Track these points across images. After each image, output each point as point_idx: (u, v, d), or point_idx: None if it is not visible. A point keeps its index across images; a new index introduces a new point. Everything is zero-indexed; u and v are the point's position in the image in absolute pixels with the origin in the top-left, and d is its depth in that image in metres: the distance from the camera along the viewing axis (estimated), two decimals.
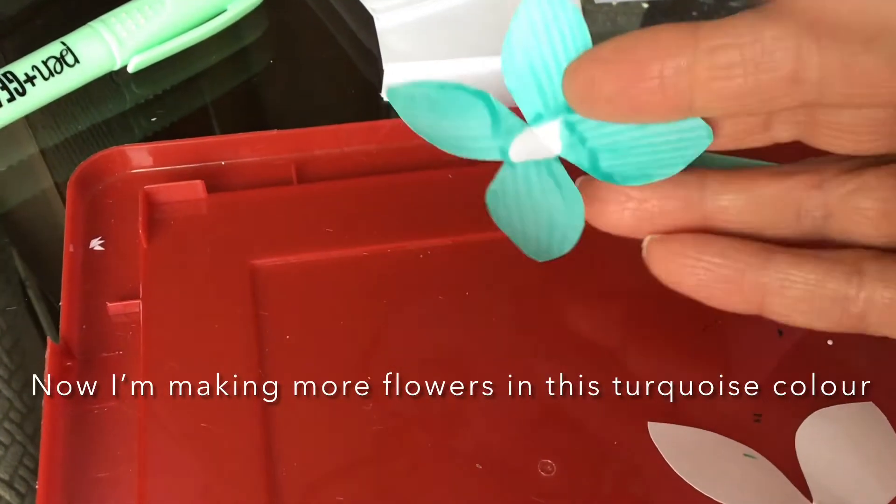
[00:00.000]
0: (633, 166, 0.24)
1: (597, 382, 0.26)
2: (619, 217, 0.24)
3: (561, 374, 0.26)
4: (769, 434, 0.25)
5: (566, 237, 0.26)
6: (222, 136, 0.31)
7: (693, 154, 0.24)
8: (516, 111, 0.25)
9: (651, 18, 0.40)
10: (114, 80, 0.35)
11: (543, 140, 0.25)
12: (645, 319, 0.27)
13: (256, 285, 0.28)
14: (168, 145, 0.30)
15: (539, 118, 0.25)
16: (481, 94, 0.25)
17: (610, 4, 0.39)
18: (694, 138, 0.24)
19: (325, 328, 0.27)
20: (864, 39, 0.19)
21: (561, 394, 0.26)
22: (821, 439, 0.25)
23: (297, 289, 0.28)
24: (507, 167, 0.26)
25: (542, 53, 0.24)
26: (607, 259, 0.29)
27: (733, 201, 0.24)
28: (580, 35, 0.24)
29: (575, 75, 0.22)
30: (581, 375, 0.26)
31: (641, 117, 0.22)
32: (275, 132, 0.31)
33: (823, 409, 0.25)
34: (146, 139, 0.34)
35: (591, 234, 0.27)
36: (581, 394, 0.26)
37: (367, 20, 0.37)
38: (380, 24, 0.37)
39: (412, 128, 0.25)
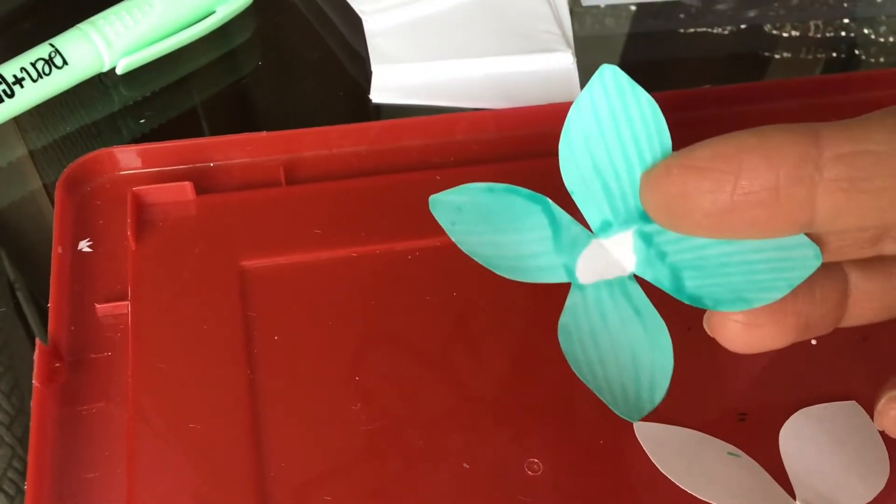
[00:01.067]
0: (726, 288, 0.21)
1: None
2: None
3: (548, 374, 0.26)
4: (754, 433, 0.25)
5: (655, 382, 0.22)
6: (211, 138, 0.31)
7: (800, 277, 0.20)
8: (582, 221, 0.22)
9: (639, 21, 0.40)
10: (102, 82, 0.35)
11: (615, 255, 0.22)
12: None
13: (245, 286, 0.28)
14: (157, 147, 0.30)
15: (607, 227, 0.22)
16: (539, 198, 0.22)
17: (598, 7, 0.40)
18: (800, 258, 0.20)
19: (314, 329, 0.27)
20: None
21: (548, 393, 0.26)
22: (804, 438, 0.25)
23: (286, 290, 0.28)
24: (576, 291, 0.22)
25: (608, 148, 0.21)
26: None
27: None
28: (657, 128, 0.21)
29: (660, 184, 0.19)
30: (568, 375, 0.26)
31: (745, 234, 0.19)
32: (264, 134, 0.31)
33: (807, 409, 0.26)
34: (135, 141, 0.34)
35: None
36: (568, 393, 0.26)
37: (355, 22, 0.37)
38: (368, 27, 0.37)
39: (459, 245, 0.22)
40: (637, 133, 0.21)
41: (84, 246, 0.29)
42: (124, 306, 0.27)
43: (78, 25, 0.34)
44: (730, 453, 0.25)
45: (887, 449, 0.25)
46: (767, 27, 0.39)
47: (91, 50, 0.34)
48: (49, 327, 0.26)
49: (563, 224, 0.22)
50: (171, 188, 0.29)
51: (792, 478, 0.24)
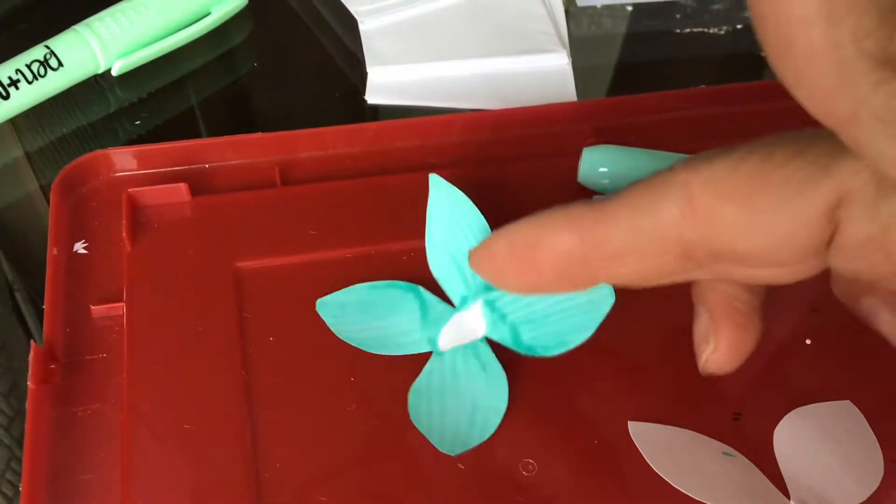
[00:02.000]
0: (551, 335, 0.25)
1: (577, 382, 0.26)
2: None
3: (543, 374, 0.26)
4: (748, 433, 0.25)
5: (488, 421, 0.25)
6: (206, 139, 0.31)
7: (601, 316, 0.25)
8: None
9: (636, 21, 0.40)
10: (98, 84, 0.35)
11: (469, 323, 0.26)
12: (623, 321, 0.27)
13: (240, 287, 0.28)
14: (152, 148, 0.30)
15: (465, 301, 0.27)
16: (413, 288, 0.27)
17: (595, 7, 0.40)
18: (599, 300, 0.25)
19: (309, 330, 0.27)
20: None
21: (542, 393, 0.26)
22: (799, 437, 0.25)
23: (281, 291, 0.28)
24: (435, 359, 0.26)
25: (456, 241, 0.27)
26: None
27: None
28: (476, 222, 0.27)
29: (479, 267, 0.23)
30: (562, 374, 0.26)
31: (550, 293, 0.24)
32: (259, 135, 0.31)
33: (801, 408, 0.26)
34: (130, 142, 0.34)
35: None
36: (562, 393, 0.26)
37: (351, 23, 0.37)
38: (364, 28, 0.37)
39: (339, 335, 0.26)
40: (469, 222, 0.27)
41: (79, 247, 0.29)
42: (119, 307, 0.27)
43: (73, 27, 0.34)
44: (724, 453, 0.25)
45: (882, 448, 0.25)
46: None
47: (86, 52, 0.34)
48: (44, 329, 0.26)
49: (431, 305, 0.27)
50: (166, 190, 0.29)
51: (786, 477, 0.24)
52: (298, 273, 0.28)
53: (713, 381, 0.27)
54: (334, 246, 0.29)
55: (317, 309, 0.27)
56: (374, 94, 0.35)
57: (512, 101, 0.34)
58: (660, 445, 0.25)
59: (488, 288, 0.26)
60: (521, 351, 0.26)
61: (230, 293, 0.27)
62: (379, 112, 0.35)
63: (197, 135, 0.35)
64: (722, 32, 0.39)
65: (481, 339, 0.26)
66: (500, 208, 0.30)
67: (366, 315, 0.27)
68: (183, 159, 0.31)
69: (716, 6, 0.40)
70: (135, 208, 0.29)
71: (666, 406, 0.26)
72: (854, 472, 0.24)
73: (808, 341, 0.28)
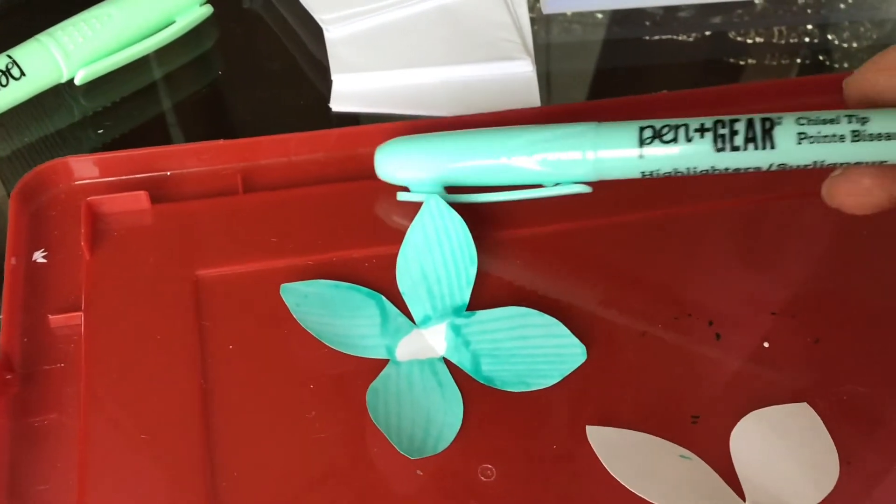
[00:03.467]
0: (512, 374, 0.26)
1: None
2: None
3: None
4: (706, 435, 0.26)
5: (442, 435, 0.25)
6: (167, 147, 0.31)
7: (569, 368, 0.26)
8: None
9: (606, 28, 0.40)
10: (63, 93, 0.35)
11: (430, 341, 0.27)
12: (582, 325, 0.28)
13: (200, 296, 0.28)
14: (112, 156, 0.30)
15: (427, 320, 0.27)
16: (374, 295, 0.28)
17: (565, 14, 0.40)
18: (571, 355, 0.26)
19: (269, 338, 0.27)
20: None
21: (500, 399, 0.26)
22: (755, 440, 0.25)
23: (241, 298, 0.28)
24: (392, 366, 0.26)
25: (433, 260, 0.27)
26: (548, 268, 0.29)
27: None
28: (465, 241, 0.27)
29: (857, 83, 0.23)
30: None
31: None
32: (221, 142, 0.31)
33: (758, 411, 0.26)
34: (94, 151, 0.33)
35: (519, 245, 0.27)
36: (520, 399, 0.26)
37: (317, 31, 0.37)
38: (329, 35, 0.37)
39: (300, 322, 0.26)
40: (453, 246, 0.28)
41: (38, 256, 0.28)
42: (78, 317, 0.27)
43: (36, 37, 0.34)
44: (681, 456, 0.25)
45: (838, 450, 0.25)
46: (732, 34, 0.40)
47: (49, 61, 0.34)
48: (1, 339, 0.26)
49: (392, 315, 0.27)
50: (125, 198, 0.29)
51: (742, 479, 0.24)
52: (259, 281, 0.28)
53: (672, 383, 0.27)
54: (295, 253, 0.29)
55: (280, 292, 0.27)
56: (339, 102, 0.35)
57: (476, 107, 0.34)
58: (617, 449, 0.25)
59: (457, 313, 0.27)
60: (478, 379, 0.26)
61: (190, 302, 0.27)
62: (343, 119, 0.35)
63: (161, 143, 0.35)
64: (691, 39, 0.39)
65: (439, 359, 0.27)
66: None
67: (326, 310, 0.27)
68: (143, 167, 0.31)
69: (682, 14, 0.40)
70: (94, 217, 0.29)
71: (625, 409, 0.26)
72: (810, 474, 0.25)
73: (765, 344, 0.28)
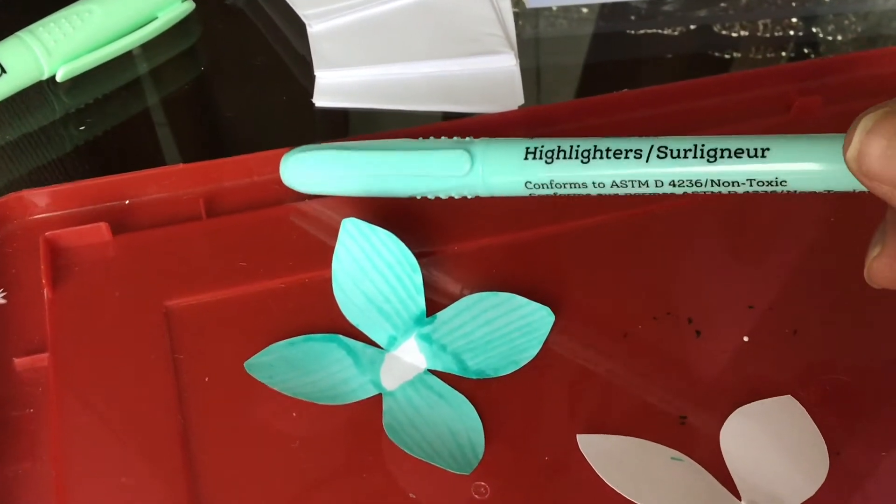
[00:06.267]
0: (498, 358, 0.26)
1: (524, 400, 0.26)
2: None
3: (488, 398, 0.26)
4: (695, 434, 0.26)
5: (472, 440, 0.25)
6: (125, 175, 0.30)
7: (544, 333, 0.26)
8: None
9: (591, 23, 0.40)
10: (45, 90, 0.35)
11: (407, 360, 0.26)
12: (561, 332, 0.27)
13: (171, 327, 0.27)
14: (68, 188, 0.29)
15: (393, 341, 0.27)
16: (332, 338, 0.27)
17: (550, 9, 0.40)
18: (540, 320, 0.27)
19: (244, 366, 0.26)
20: None
21: (489, 415, 0.26)
22: (744, 437, 0.25)
23: (214, 327, 0.27)
24: (388, 398, 0.26)
25: (372, 280, 0.27)
26: (516, 278, 0.29)
27: None
28: (401, 252, 0.27)
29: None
30: (508, 396, 0.26)
31: None
32: (181, 166, 0.30)
33: (744, 407, 0.26)
34: (76, 148, 0.33)
35: (476, 257, 0.27)
36: (509, 414, 0.26)
37: (300, 27, 0.37)
38: (312, 31, 0.37)
39: (283, 392, 0.25)
40: (388, 261, 0.27)
41: None
42: (44, 359, 0.26)
43: (16, 33, 0.34)
44: (673, 458, 0.25)
45: (826, 442, 0.25)
46: (717, 27, 0.40)
47: (29, 58, 0.33)
48: None
49: (359, 350, 0.26)
50: (85, 230, 0.28)
51: (735, 478, 0.24)
52: (231, 308, 0.27)
53: (657, 384, 0.27)
54: (266, 276, 0.28)
55: (248, 371, 0.25)
56: (322, 97, 0.35)
57: (460, 102, 0.34)
58: (609, 456, 0.25)
59: (419, 322, 0.27)
60: (470, 376, 0.26)
61: (161, 334, 0.27)
62: (327, 115, 0.35)
63: (142, 140, 0.35)
64: (676, 33, 0.39)
65: (425, 372, 0.26)
66: (418, 231, 0.30)
67: (297, 370, 0.26)
68: (102, 197, 0.30)
69: (666, 7, 0.40)
70: (53, 252, 0.28)
71: (613, 415, 0.26)
72: (801, 467, 0.25)
73: (745, 338, 0.28)
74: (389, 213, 0.29)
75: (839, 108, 0.34)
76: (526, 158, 0.25)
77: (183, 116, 0.36)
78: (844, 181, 0.22)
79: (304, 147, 0.29)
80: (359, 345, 0.27)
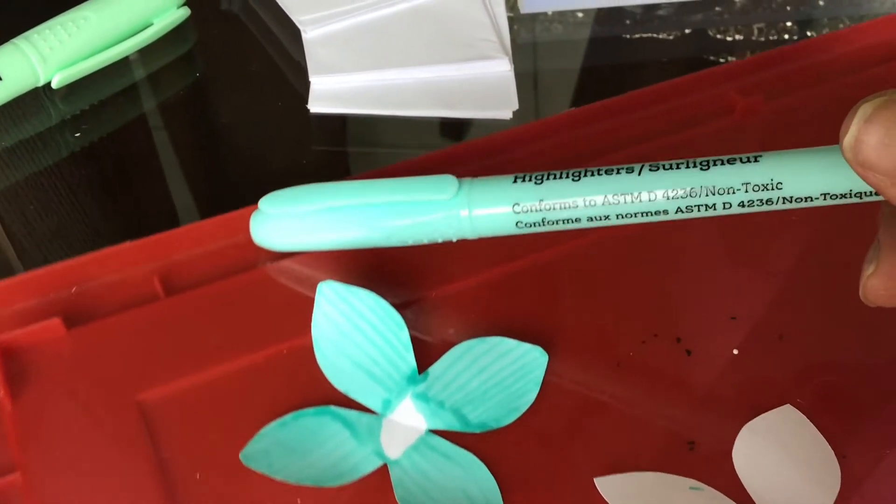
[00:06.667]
0: (497, 407, 0.25)
1: (533, 447, 0.25)
2: None
3: (500, 443, 0.25)
4: (707, 459, 0.25)
5: (490, 502, 0.24)
6: (70, 261, 0.28)
7: (540, 374, 0.26)
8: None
9: (586, 27, 0.40)
10: (41, 96, 0.35)
11: (407, 423, 0.25)
12: (560, 366, 0.27)
13: (149, 423, 0.25)
14: (13, 283, 0.27)
15: (388, 405, 0.25)
16: (323, 411, 0.25)
17: (546, 13, 0.40)
18: (533, 361, 0.26)
19: (238, 454, 0.24)
20: None
21: (505, 461, 0.25)
22: (756, 455, 0.25)
23: (196, 417, 0.25)
24: (395, 468, 0.24)
25: (355, 343, 0.26)
26: (515, 311, 0.28)
27: None
28: (384, 310, 0.26)
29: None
30: (521, 442, 0.25)
31: None
32: (128, 244, 0.28)
33: (750, 423, 0.26)
34: (72, 154, 0.34)
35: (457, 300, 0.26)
36: (525, 461, 0.25)
37: (296, 32, 0.37)
38: (306, 37, 0.37)
39: (288, 482, 0.23)
40: (371, 321, 0.26)
41: None
42: (15, 479, 0.24)
43: (12, 40, 0.34)
44: (692, 488, 0.24)
45: (831, 447, 0.25)
46: (712, 31, 0.40)
47: (25, 65, 0.34)
48: None
49: (354, 420, 0.25)
50: (37, 329, 0.26)
51: (756, 498, 0.24)
52: (210, 392, 0.26)
53: (659, 412, 0.26)
54: (242, 352, 0.27)
55: (245, 463, 0.24)
56: (317, 103, 0.35)
57: (455, 107, 0.35)
58: (630, 496, 0.24)
59: (412, 381, 0.26)
60: (473, 430, 0.25)
61: (139, 432, 0.25)
62: (322, 120, 0.35)
63: (138, 147, 0.35)
64: (671, 38, 0.39)
65: (427, 433, 0.25)
66: (398, 279, 0.29)
67: (294, 454, 0.24)
68: (49, 287, 0.27)
69: (660, 12, 0.40)
70: (7, 357, 0.26)
71: (623, 451, 0.25)
72: (815, 477, 0.25)
73: (735, 351, 0.28)
74: (364, 263, 0.28)
75: (781, 102, 0.34)
76: (515, 182, 0.24)
77: (178, 122, 0.36)
78: (841, 179, 0.22)
79: (273, 198, 0.27)
80: (353, 413, 0.25)
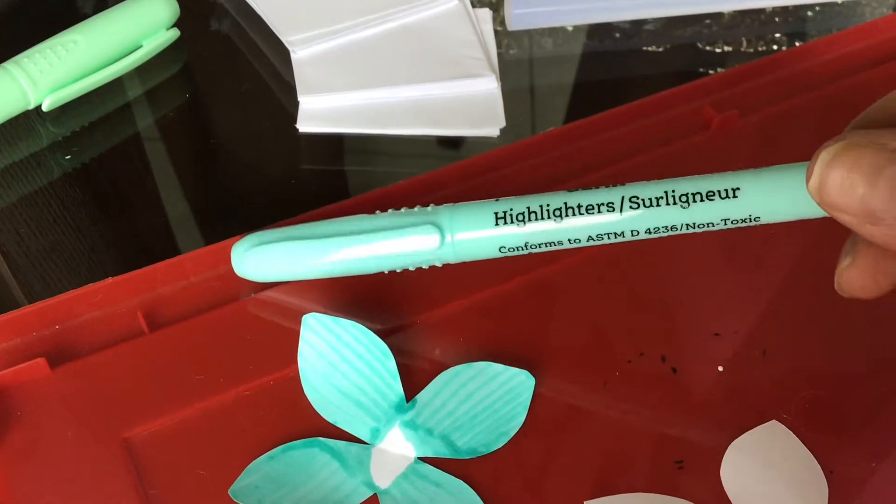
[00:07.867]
0: (486, 432, 0.25)
1: (520, 472, 0.25)
2: None
3: (494, 469, 0.25)
4: (695, 478, 0.25)
5: None
6: (52, 300, 0.27)
7: (528, 398, 0.26)
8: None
9: (576, 42, 0.40)
10: (32, 119, 0.35)
11: (396, 451, 0.25)
12: (547, 389, 0.27)
13: (136, 460, 0.25)
14: None
15: (377, 434, 0.25)
16: (312, 442, 0.25)
17: (536, 28, 0.40)
18: (520, 385, 0.26)
19: (227, 490, 0.24)
20: None
21: (497, 489, 0.25)
22: (743, 473, 0.25)
23: (183, 453, 0.25)
24: (385, 498, 0.24)
25: (343, 373, 0.26)
26: (499, 333, 0.28)
27: None
28: (369, 340, 0.26)
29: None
30: (515, 467, 0.25)
31: None
32: (109, 280, 0.28)
33: (736, 441, 0.26)
34: (64, 175, 0.34)
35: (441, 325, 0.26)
36: (518, 489, 0.25)
37: (285, 52, 0.37)
38: (295, 57, 0.37)
39: None
40: (357, 351, 0.26)
41: None
42: None
43: (2, 65, 0.34)
44: None
45: (819, 462, 0.25)
46: (700, 44, 0.40)
47: (15, 89, 0.34)
48: None
49: (343, 450, 0.25)
50: (21, 370, 0.26)
51: None
52: (196, 427, 0.26)
53: (646, 430, 0.27)
54: (228, 386, 0.27)
55: (234, 499, 0.24)
56: (306, 123, 0.35)
57: (442, 124, 0.35)
58: None
59: (399, 409, 0.26)
60: (462, 457, 0.25)
61: (127, 471, 0.25)
62: (312, 140, 0.35)
63: (129, 169, 0.35)
64: (661, 51, 0.40)
65: (416, 461, 0.25)
66: (383, 304, 0.29)
67: (284, 488, 0.24)
68: (31, 326, 0.27)
69: (647, 27, 0.40)
70: None
71: (612, 473, 0.25)
72: (803, 493, 0.25)
73: (720, 368, 0.28)
74: (349, 290, 0.28)
75: (756, 116, 0.35)
76: (497, 224, 0.24)
77: (169, 143, 0.36)
78: (816, 212, 0.22)
79: (256, 236, 0.27)
80: (341, 444, 0.25)
